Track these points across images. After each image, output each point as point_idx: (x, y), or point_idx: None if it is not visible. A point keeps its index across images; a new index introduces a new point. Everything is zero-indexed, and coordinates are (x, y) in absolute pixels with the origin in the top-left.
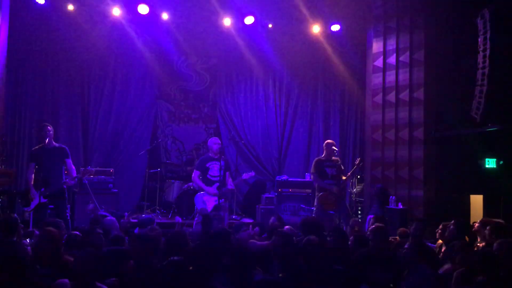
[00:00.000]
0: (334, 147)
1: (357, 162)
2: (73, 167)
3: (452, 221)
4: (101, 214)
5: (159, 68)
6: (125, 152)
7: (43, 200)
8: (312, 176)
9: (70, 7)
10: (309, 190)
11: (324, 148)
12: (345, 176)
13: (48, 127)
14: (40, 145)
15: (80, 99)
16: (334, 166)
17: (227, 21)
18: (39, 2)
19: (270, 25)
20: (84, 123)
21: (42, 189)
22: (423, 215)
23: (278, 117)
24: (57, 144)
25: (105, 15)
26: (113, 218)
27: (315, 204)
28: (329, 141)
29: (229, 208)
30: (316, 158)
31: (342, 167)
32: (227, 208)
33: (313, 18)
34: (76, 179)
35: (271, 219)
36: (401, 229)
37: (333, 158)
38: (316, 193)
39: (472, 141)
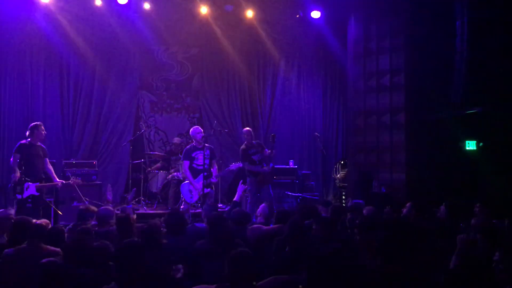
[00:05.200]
0: (251, 132)
1: (271, 138)
2: (51, 166)
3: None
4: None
5: (140, 59)
6: (108, 143)
7: (36, 193)
8: (245, 165)
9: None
10: (293, 177)
11: (244, 136)
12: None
13: (43, 127)
14: (28, 139)
15: (60, 93)
16: (257, 151)
17: (203, 9)
18: None
19: (251, 12)
20: (65, 116)
21: (37, 184)
22: (405, 198)
23: (262, 106)
24: (39, 143)
25: (85, 7)
26: (108, 207)
27: (248, 188)
28: (246, 128)
29: (215, 197)
30: (241, 148)
31: (263, 146)
32: (213, 196)
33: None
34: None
35: (262, 207)
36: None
37: (254, 143)
38: (251, 178)
39: (452, 124)
